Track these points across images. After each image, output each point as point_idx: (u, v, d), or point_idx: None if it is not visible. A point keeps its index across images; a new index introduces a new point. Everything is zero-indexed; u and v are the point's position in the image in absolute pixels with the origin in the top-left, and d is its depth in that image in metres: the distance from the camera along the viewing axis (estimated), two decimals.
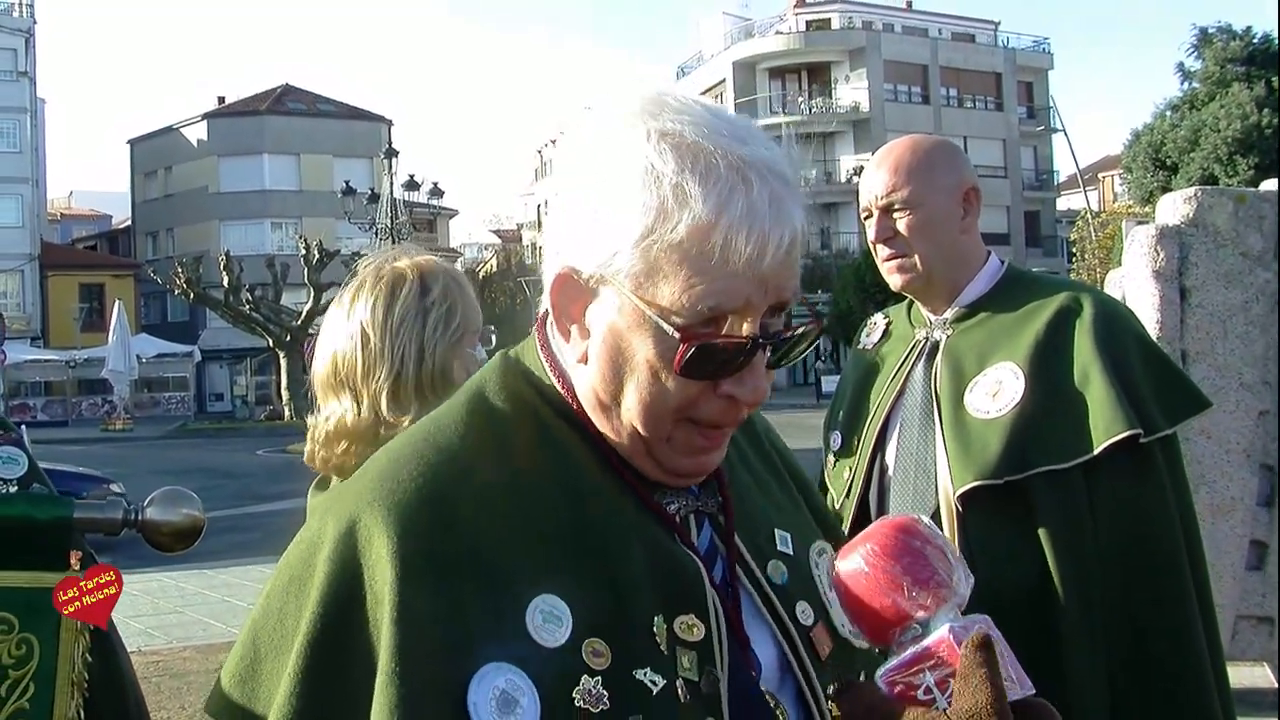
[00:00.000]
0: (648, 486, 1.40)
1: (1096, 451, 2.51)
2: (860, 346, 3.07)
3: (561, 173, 1.40)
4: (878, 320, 3.07)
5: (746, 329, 1.28)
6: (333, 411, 2.32)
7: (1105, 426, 2.51)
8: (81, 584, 1.80)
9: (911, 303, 2.93)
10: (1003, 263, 2.85)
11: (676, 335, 1.27)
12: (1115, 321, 2.66)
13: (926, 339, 2.83)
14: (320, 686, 1.23)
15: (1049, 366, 2.60)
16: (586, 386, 1.38)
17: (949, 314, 2.81)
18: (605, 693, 1.24)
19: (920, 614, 1.23)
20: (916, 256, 2.73)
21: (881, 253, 2.78)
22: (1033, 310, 2.69)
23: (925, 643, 1.21)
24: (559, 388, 1.41)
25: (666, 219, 1.26)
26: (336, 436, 2.30)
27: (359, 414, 2.28)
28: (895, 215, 2.73)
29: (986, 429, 2.59)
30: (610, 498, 1.37)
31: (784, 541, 1.49)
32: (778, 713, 1.37)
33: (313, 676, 1.24)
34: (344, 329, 2.34)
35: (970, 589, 1.27)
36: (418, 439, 1.39)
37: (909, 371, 2.83)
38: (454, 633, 1.22)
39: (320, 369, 2.36)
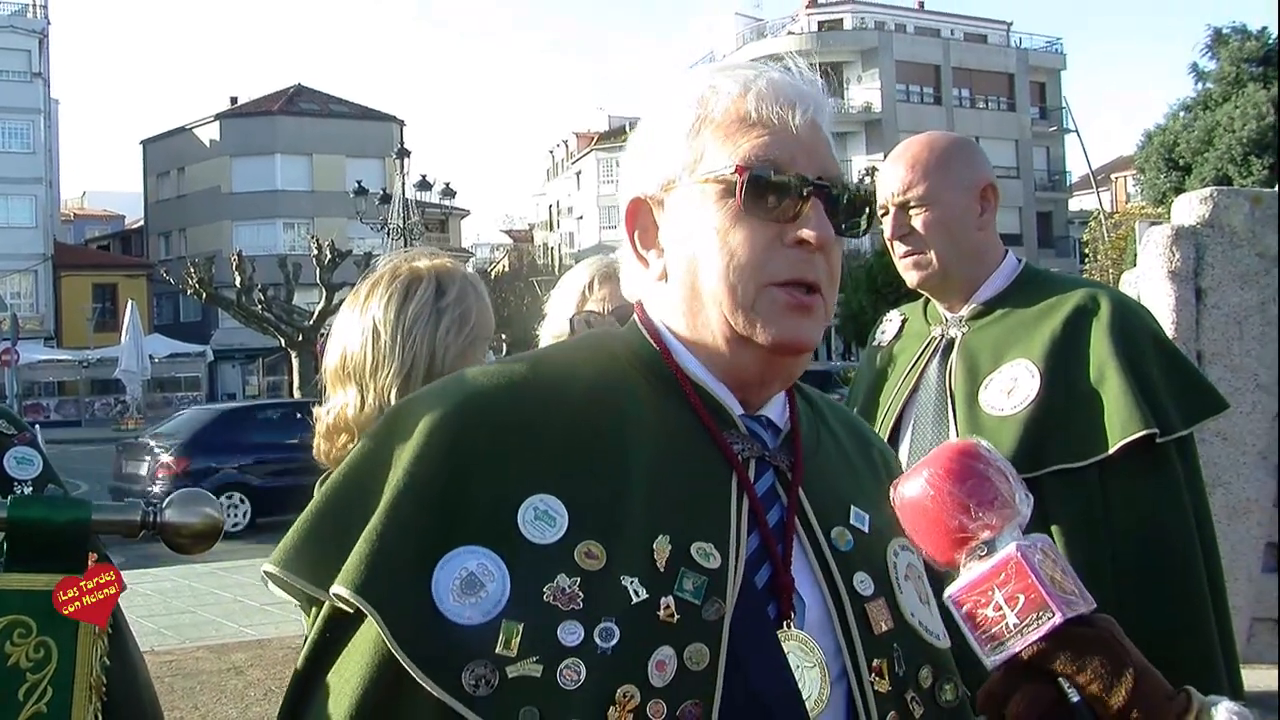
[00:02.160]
0: (723, 425, 1.44)
1: (1112, 451, 2.50)
2: (875, 343, 3.07)
3: (629, 145, 1.57)
4: (893, 317, 3.06)
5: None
6: (335, 403, 2.32)
7: (1121, 426, 2.50)
8: (81, 584, 1.80)
9: (927, 300, 2.92)
10: (1020, 261, 2.84)
11: (732, 169, 1.41)
12: (1133, 320, 2.65)
13: (942, 336, 2.83)
14: (324, 530, 1.36)
15: (1065, 365, 2.60)
16: (672, 302, 1.48)
17: (965, 311, 2.80)
18: (581, 593, 1.28)
19: (986, 534, 1.26)
20: (932, 253, 2.72)
21: (898, 249, 2.78)
22: (1049, 308, 2.68)
23: (993, 561, 1.24)
24: (647, 335, 1.50)
25: (705, 107, 1.46)
26: (337, 429, 2.30)
27: (361, 407, 2.27)
28: (911, 212, 2.73)
29: (1001, 426, 2.58)
30: (661, 430, 1.42)
31: (859, 519, 1.51)
32: (817, 664, 1.37)
33: (320, 521, 1.37)
34: (356, 323, 2.34)
35: (1031, 508, 1.30)
36: (489, 364, 1.52)
37: (924, 368, 2.82)
38: (445, 511, 1.30)
39: (330, 362, 2.36)
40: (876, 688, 1.40)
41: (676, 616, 1.30)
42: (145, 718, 2.12)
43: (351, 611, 1.29)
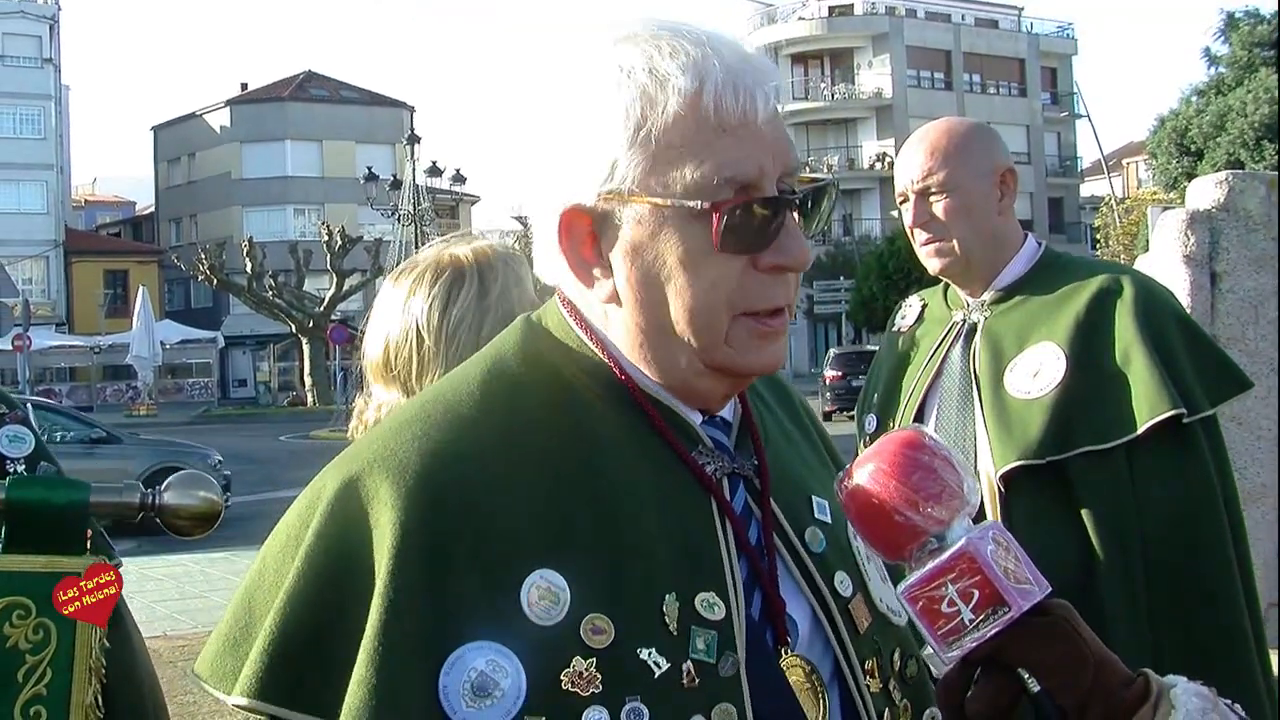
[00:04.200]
0: (687, 442, 1.34)
1: (1140, 431, 2.49)
2: (895, 329, 3.05)
3: (534, 122, 1.36)
4: (913, 303, 3.04)
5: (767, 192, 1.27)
6: (383, 401, 2.29)
7: (1149, 406, 2.49)
8: (81, 584, 1.79)
9: (947, 285, 2.90)
10: (1040, 244, 2.82)
11: (707, 206, 1.24)
12: (1155, 302, 2.64)
13: (964, 321, 2.81)
14: (302, 647, 1.21)
15: (1090, 347, 2.58)
16: (625, 327, 1.32)
17: (987, 296, 2.78)
18: (599, 674, 1.18)
19: (935, 528, 1.22)
20: (955, 240, 2.70)
21: (919, 237, 2.75)
22: (1072, 291, 2.66)
23: (944, 556, 1.20)
24: (590, 345, 1.36)
25: (653, 105, 1.25)
26: None
27: None
28: (932, 199, 2.70)
29: (1028, 409, 2.58)
30: (634, 461, 1.31)
31: (821, 509, 1.43)
32: (814, 682, 1.32)
33: (295, 636, 1.21)
34: (399, 319, 2.31)
35: (979, 497, 1.26)
36: (427, 400, 1.35)
37: (946, 353, 2.81)
38: (441, 609, 1.18)
39: (373, 353, 2.33)
40: (871, 689, 1.36)
41: (698, 680, 1.22)
42: (144, 700, 2.10)
43: None
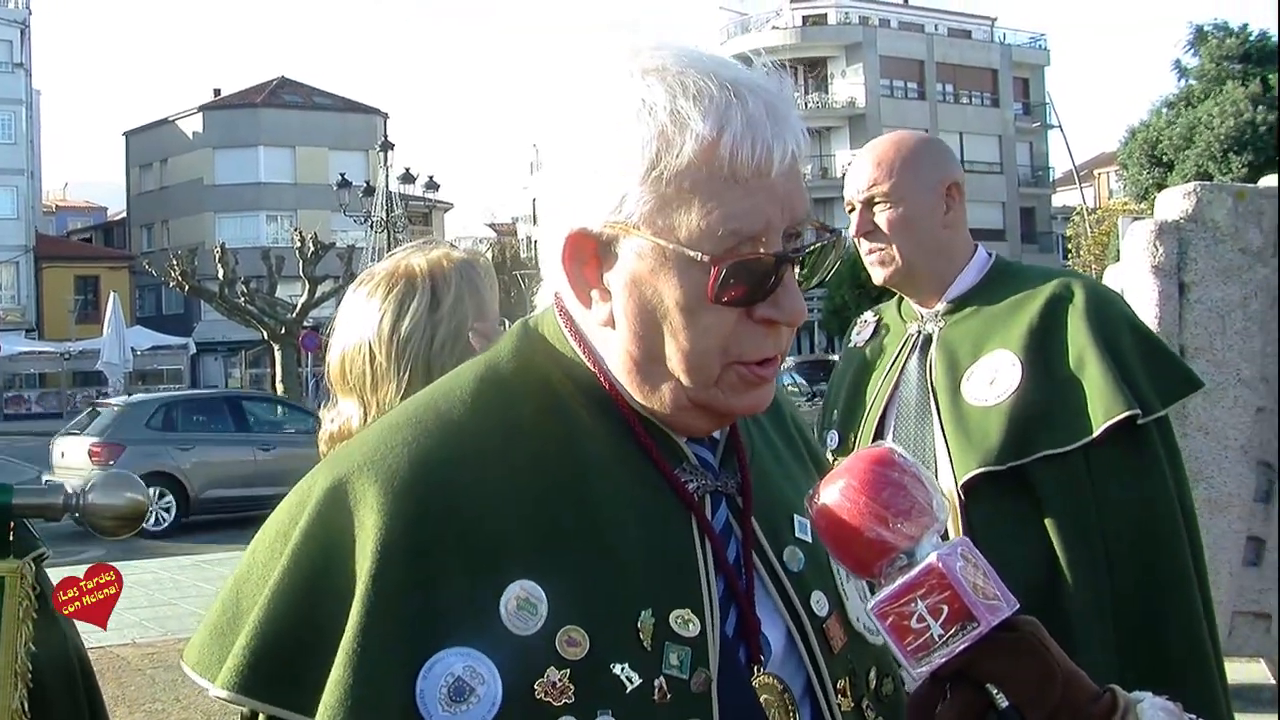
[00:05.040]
0: (672, 459, 1.36)
1: (1097, 433, 2.54)
2: (851, 344, 3.09)
3: (552, 137, 1.37)
4: (868, 318, 3.09)
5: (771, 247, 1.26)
6: (339, 413, 2.32)
7: (1105, 409, 2.54)
8: (81, 584, 1.78)
9: (901, 299, 2.94)
10: (990, 255, 2.87)
11: (706, 259, 1.24)
12: (1107, 306, 2.69)
13: (919, 332, 2.85)
14: (284, 643, 1.23)
15: (1045, 352, 2.63)
16: (618, 351, 1.34)
17: (939, 307, 2.82)
18: (572, 685, 1.20)
19: (905, 544, 1.23)
20: (895, 250, 2.75)
21: (863, 246, 2.81)
22: (1024, 299, 2.71)
23: (914, 572, 1.21)
24: (582, 356, 1.37)
25: (669, 146, 1.25)
26: (341, 437, 2.30)
27: (365, 421, 2.27)
28: (876, 209, 2.76)
29: (986, 416, 2.61)
30: (618, 475, 1.32)
31: (803, 528, 1.44)
32: (786, 700, 1.33)
33: (278, 632, 1.23)
34: (355, 332, 2.32)
35: (947, 514, 1.27)
36: (420, 403, 1.36)
37: (903, 365, 2.84)
38: (422, 614, 1.20)
39: (333, 364, 2.36)
40: (843, 708, 1.37)
41: (669, 696, 1.24)
42: (79, 704, 2.08)
43: None
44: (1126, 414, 2.53)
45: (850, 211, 2.82)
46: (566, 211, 1.32)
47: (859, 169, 2.79)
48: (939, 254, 2.78)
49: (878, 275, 2.81)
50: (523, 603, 1.22)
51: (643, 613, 1.26)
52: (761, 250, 1.26)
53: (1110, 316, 2.67)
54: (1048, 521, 2.54)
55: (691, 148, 1.24)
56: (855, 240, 2.83)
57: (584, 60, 1.38)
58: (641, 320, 1.30)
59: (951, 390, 2.70)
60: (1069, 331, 2.63)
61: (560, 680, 1.20)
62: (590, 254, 1.31)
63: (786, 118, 1.28)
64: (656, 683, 1.24)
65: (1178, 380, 2.74)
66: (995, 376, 2.64)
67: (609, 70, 1.31)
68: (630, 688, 1.22)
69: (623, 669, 1.23)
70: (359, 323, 2.32)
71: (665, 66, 1.28)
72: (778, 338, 1.31)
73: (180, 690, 7.75)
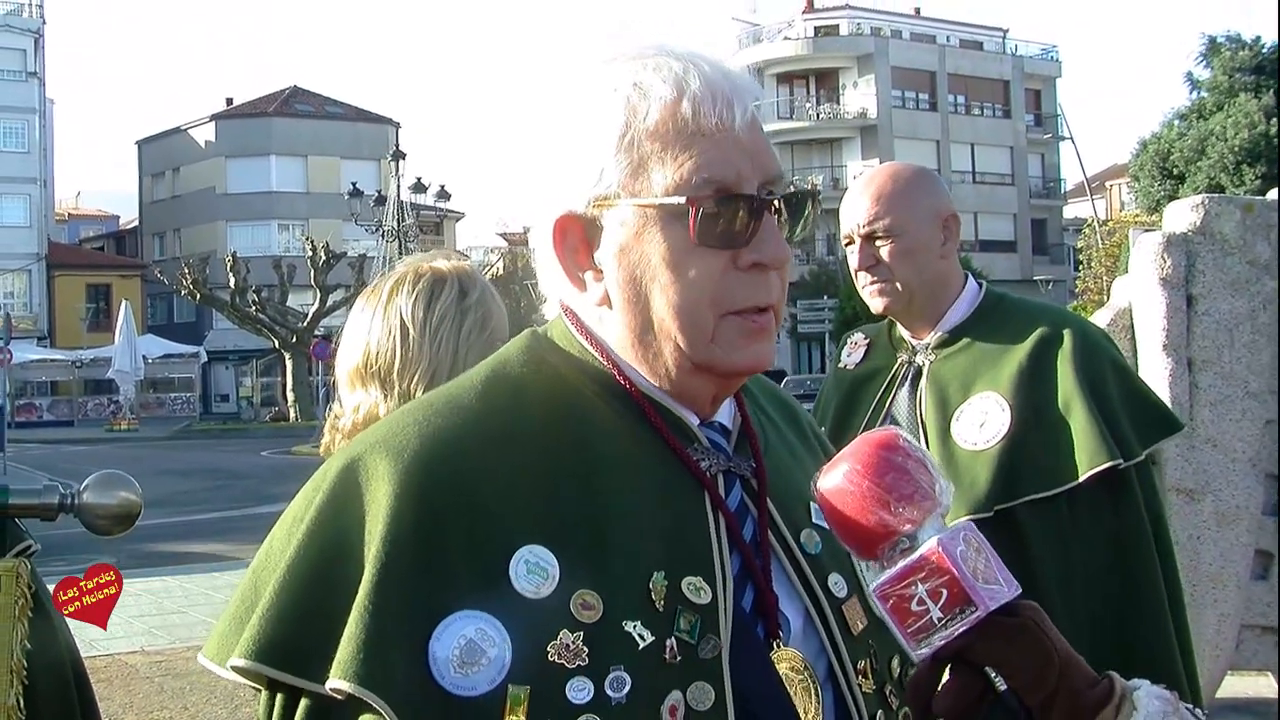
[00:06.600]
0: (684, 439, 1.40)
1: (1081, 480, 2.63)
2: (841, 364, 3.12)
3: (528, 134, 1.45)
4: (858, 339, 3.12)
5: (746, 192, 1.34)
6: (361, 402, 2.32)
7: (1089, 457, 2.63)
8: (82, 584, 1.80)
9: (891, 323, 2.98)
10: (981, 286, 2.92)
11: (682, 201, 1.32)
12: (1093, 350, 2.78)
13: (909, 363, 2.90)
14: (298, 615, 1.25)
15: (1032, 396, 2.71)
16: (617, 328, 1.40)
17: (931, 339, 2.88)
18: (585, 648, 1.23)
19: (907, 527, 1.25)
20: (898, 282, 2.80)
21: (863, 279, 2.85)
22: (1014, 339, 2.79)
23: (915, 555, 1.23)
24: (591, 350, 1.42)
25: (636, 113, 1.34)
26: (366, 424, 2.28)
27: (388, 407, 2.27)
28: (878, 243, 2.79)
29: (975, 461, 2.69)
30: (631, 454, 1.36)
31: (819, 515, 1.45)
32: (808, 676, 1.36)
33: (294, 605, 1.25)
34: (380, 322, 2.34)
35: (951, 497, 1.29)
36: (432, 395, 1.42)
37: (893, 397, 2.90)
38: (433, 579, 1.23)
39: (350, 359, 2.36)
40: (863, 689, 1.40)
41: (679, 658, 1.27)
42: (71, 701, 2.09)
43: (341, 699, 1.20)
44: (1109, 465, 2.62)
45: (848, 244, 2.85)
46: (551, 200, 1.40)
47: (857, 203, 2.82)
48: (936, 285, 2.84)
49: (877, 305, 2.85)
50: (532, 567, 1.25)
51: (655, 574, 1.29)
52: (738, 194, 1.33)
53: (1097, 361, 2.75)
54: (1032, 562, 2.59)
55: (656, 109, 1.34)
56: (853, 273, 2.88)
57: (556, 65, 1.48)
58: (633, 287, 1.36)
59: (942, 430, 2.77)
60: (1059, 376, 2.71)
61: (574, 642, 1.23)
62: (579, 238, 1.39)
63: (741, 80, 1.38)
64: (668, 643, 1.27)
65: (1158, 424, 2.84)
66: (985, 420, 2.72)
67: (577, 67, 1.40)
68: (642, 645, 1.26)
69: (635, 627, 1.26)
70: (387, 314, 2.34)
71: (625, 54, 1.39)
72: (768, 285, 1.37)
73: (188, 698, 7.76)
